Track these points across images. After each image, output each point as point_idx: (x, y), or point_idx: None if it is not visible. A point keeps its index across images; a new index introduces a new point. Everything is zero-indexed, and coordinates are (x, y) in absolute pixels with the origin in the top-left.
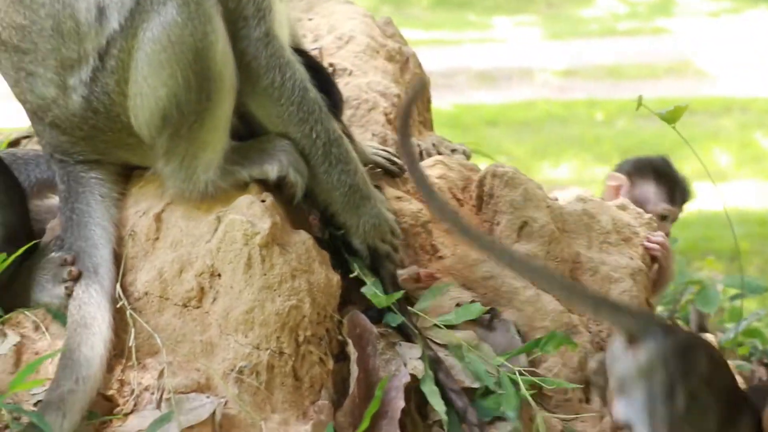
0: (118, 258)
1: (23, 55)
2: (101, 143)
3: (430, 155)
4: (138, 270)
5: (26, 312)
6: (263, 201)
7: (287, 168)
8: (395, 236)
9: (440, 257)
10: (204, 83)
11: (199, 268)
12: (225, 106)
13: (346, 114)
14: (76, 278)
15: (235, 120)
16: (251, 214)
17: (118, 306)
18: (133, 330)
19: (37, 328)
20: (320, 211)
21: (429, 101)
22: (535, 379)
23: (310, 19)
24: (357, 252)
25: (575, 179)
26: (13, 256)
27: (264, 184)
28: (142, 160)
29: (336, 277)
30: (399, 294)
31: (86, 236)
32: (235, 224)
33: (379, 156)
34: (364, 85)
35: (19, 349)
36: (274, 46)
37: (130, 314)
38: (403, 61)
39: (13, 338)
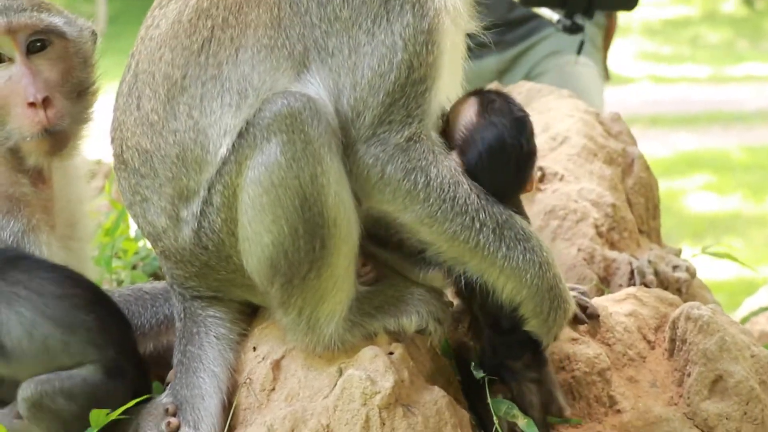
0: (230, 409)
1: (141, 179)
2: (215, 281)
3: (643, 275)
4: (248, 425)
5: None
6: (391, 353)
7: (427, 319)
8: None
9: (618, 411)
10: (315, 230)
11: (313, 427)
12: (343, 253)
13: (551, 225)
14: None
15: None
16: (373, 369)
17: None
18: None
19: None
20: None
21: (656, 207)
22: None
23: None
24: (540, 347)
25: None
26: (116, 413)
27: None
28: (263, 301)
29: None
30: None
31: (193, 384)
32: (354, 381)
33: None
34: (575, 192)
35: None
36: (416, 149)
37: None
38: (626, 163)
39: None
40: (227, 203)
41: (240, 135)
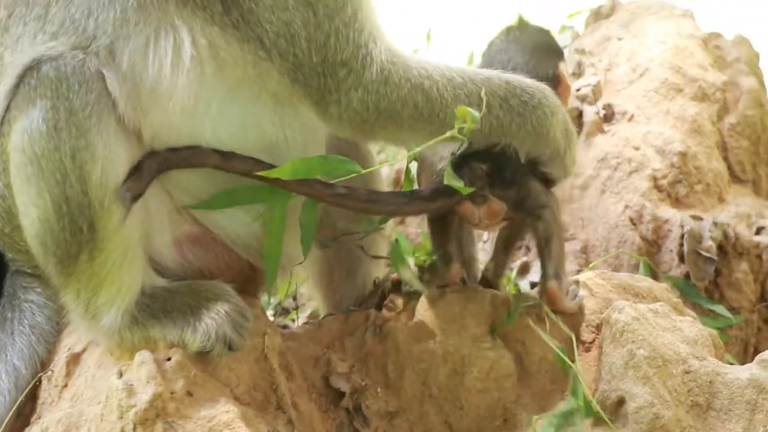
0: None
1: None
2: (20, 253)
3: (698, 240)
4: (35, 423)
5: None
6: (168, 359)
7: (214, 342)
8: None
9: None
10: (80, 210)
11: None
12: (116, 240)
13: (602, 176)
14: None
15: None
16: (137, 378)
17: None
18: None
19: None
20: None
21: None
22: None
23: (619, 39)
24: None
25: None
26: None
27: None
28: None
29: None
30: None
31: None
32: (113, 390)
33: None
34: (639, 137)
35: None
36: (397, 74)
37: None
38: (731, 99)
39: None
40: (5, 168)
41: (14, 91)
